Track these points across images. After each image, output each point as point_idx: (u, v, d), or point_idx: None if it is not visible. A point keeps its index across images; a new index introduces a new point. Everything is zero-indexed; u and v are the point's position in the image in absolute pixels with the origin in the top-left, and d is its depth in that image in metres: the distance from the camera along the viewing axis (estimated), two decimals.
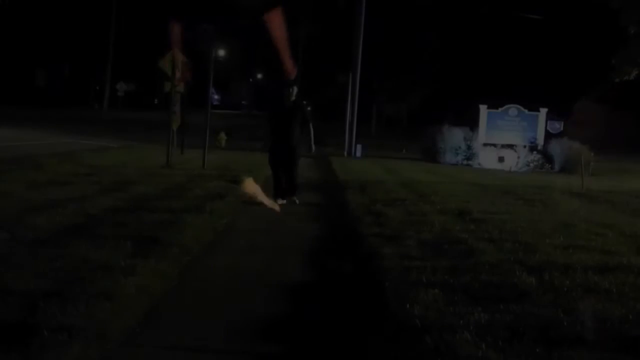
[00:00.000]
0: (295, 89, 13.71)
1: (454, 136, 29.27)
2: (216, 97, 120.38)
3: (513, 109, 29.24)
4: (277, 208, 12.64)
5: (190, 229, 9.08)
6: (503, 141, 28.84)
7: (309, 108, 13.41)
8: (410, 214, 11.74)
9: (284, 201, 13.50)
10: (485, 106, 29.20)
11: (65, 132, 33.50)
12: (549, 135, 29.54)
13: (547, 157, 28.63)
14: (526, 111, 29.34)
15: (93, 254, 7.27)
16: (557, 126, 30.29)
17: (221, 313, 6.27)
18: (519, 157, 28.33)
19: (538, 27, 56.79)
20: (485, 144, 28.95)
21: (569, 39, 61.41)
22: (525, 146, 28.73)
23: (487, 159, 28.57)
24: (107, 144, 26.12)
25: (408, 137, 43.72)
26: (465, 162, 28.87)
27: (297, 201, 13.69)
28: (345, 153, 29.95)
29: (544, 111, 29.40)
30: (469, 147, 29.12)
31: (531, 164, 28.29)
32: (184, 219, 9.67)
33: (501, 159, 28.09)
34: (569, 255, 8.48)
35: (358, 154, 30.34)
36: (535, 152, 28.66)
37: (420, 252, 8.49)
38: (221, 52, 73.01)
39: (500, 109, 29.31)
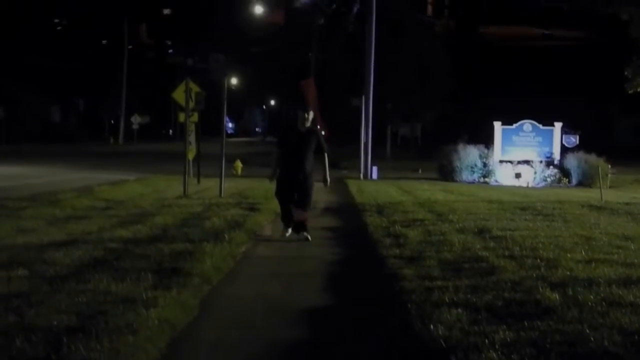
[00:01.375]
0: (312, 114, 12.37)
1: (470, 154, 29.18)
2: (230, 125, 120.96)
3: (527, 125, 29.15)
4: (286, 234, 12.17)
5: (210, 258, 9.08)
6: (519, 157, 28.72)
7: (323, 132, 12.50)
8: (429, 234, 11.72)
9: (290, 232, 12.28)
10: (500, 123, 29.13)
11: (82, 166, 33.65)
12: (564, 149, 29.42)
13: (564, 172, 28.49)
14: (540, 126, 29.24)
15: (114, 287, 7.28)
16: (573, 140, 30.15)
17: (243, 342, 6.24)
18: (535, 173, 28.19)
19: (551, 40, 56.79)
20: (501, 161, 28.83)
21: (581, 52, 61.39)
22: (541, 161, 28.59)
23: (503, 176, 28.45)
24: (124, 177, 26.19)
25: (423, 156, 43.65)
26: (482, 179, 28.77)
27: (310, 238, 12.06)
28: (361, 175, 29.90)
29: (558, 125, 29.30)
30: (485, 165, 29.03)
31: (548, 179, 28.15)
32: (203, 248, 9.67)
33: (518, 175, 27.96)
34: (591, 269, 8.43)
35: (374, 175, 30.29)
36: (551, 167, 28.52)
37: (441, 272, 8.47)
38: (234, 81, 73.40)
39: (514, 125, 29.22)
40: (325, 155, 12.40)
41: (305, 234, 12.15)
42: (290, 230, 12.28)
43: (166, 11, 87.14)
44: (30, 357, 5.19)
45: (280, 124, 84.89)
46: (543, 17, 51.87)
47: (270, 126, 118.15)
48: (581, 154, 28.51)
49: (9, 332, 5.67)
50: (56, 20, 70.57)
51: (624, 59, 23.61)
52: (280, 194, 12.35)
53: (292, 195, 12.14)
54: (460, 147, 29.56)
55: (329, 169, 12.53)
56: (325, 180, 12.46)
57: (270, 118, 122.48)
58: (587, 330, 5.86)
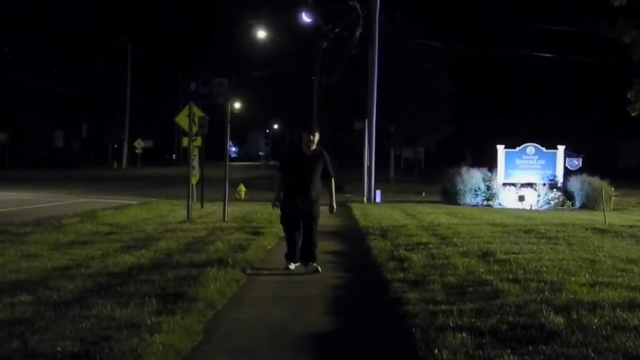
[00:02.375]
0: (318, 136, 11.36)
1: (473, 177, 29.20)
2: (233, 149, 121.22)
3: (530, 148, 29.19)
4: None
5: (214, 282, 9.08)
6: (522, 180, 28.73)
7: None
8: (433, 257, 11.71)
9: (297, 264, 11.50)
10: (503, 146, 29.18)
11: (85, 191, 33.69)
12: (568, 172, 29.44)
13: (567, 194, 28.49)
14: (544, 149, 29.28)
15: (118, 312, 7.29)
16: (576, 163, 30.15)
17: None
18: (539, 196, 28.19)
19: (554, 64, 56.89)
20: (504, 184, 28.85)
21: (584, 75, 61.47)
22: (544, 184, 28.59)
23: (507, 199, 28.45)
24: (127, 202, 26.22)
25: (426, 179, 43.69)
26: (485, 202, 28.76)
27: (320, 269, 11.27)
28: (365, 199, 29.89)
29: (561, 148, 29.33)
30: (488, 188, 29.03)
31: (552, 202, 28.13)
32: (207, 273, 9.67)
33: (521, 198, 27.95)
34: (595, 292, 8.42)
35: (378, 199, 30.30)
36: (555, 190, 28.52)
37: (445, 295, 8.47)
38: (237, 105, 73.59)
39: (517, 148, 29.27)
40: (332, 180, 11.59)
41: (314, 264, 11.34)
42: (292, 266, 11.46)
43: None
44: None
45: (285, 146, 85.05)
46: (547, 40, 51.99)
47: (273, 150, 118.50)
48: (584, 177, 28.51)
49: (13, 358, 5.67)
50: (59, 46, 70.73)
51: (627, 81, 23.65)
52: (286, 220, 11.52)
53: (298, 223, 11.36)
54: (464, 170, 29.60)
55: (335, 195, 11.78)
56: (331, 207, 11.64)
57: (274, 142, 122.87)
58: (592, 354, 5.86)
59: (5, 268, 10.13)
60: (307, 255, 11.42)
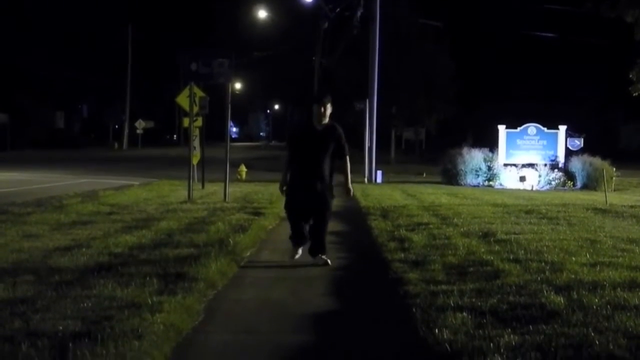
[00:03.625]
0: (330, 108, 9.97)
1: (474, 158, 29.22)
2: (234, 130, 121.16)
3: (532, 128, 29.18)
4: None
5: (215, 262, 9.08)
6: (523, 161, 28.75)
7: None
8: (434, 237, 11.72)
9: (300, 254, 10.41)
10: (504, 126, 29.15)
11: (86, 171, 33.71)
12: (569, 153, 29.44)
13: (568, 175, 28.50)
14: (545, 129, 29.26)
15: (119, 292, 7.30)
16: (577, 143, 30.15)
17: (248, 347, 6.24)
18: (540, 176, 28.20)
19: (555, 44, 56.73)
20: (505, 164, 28.86)
21: (586, 56, 61.30)
22: (546, 164, 28.60)
23: (508, 179, 28.47)
24: (128, 182, 26.23)
25: (427, 160, 43.73)
26: (486, 183, 28.78)
27: (330, 262, 10.12)
28: (366, 179, 29.89)
29: (563, 128, 29.31)
30: (489, 168, 29.05)
31: (553, 182, 28.14)
32: (208, 253, 9.68)
33: (522, 179, 27.96)
34: (596, 272, 8.43)
35: (378, 179, 30.32)
36: (556, 170, 28.54)
37: (446, 275, 8.48)
38: (238, 85, 73.48)
39: (519, 129, 29.26)
40: (347, 159, 10.14)
41: (323, 257, 10.17)
42: (300, 251, 10.38)
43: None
44: None
45: (286, 126, 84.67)
46: (549, 20, 51.80)
47: (274, 131, 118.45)
48: (586, 157, 28.54)
49: (15, 337, 5.68)
50: (59, 26, 70.56)
51: (629, 62, 23.58)
52: (290, 207, 10.23)
53: (306, 211, 10.11)
54: (465, 150, 29.61)
55: (351, 176, 10.41)
56: (347, 189, 10.33)
57: (274, 122, 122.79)
58: (592, 334, 5.86)
59: (6, 248, 10.14)
60: (317, 247, 10.21)
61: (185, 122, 21.08)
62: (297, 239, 10.36)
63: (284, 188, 10.16)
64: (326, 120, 9.98)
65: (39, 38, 69.14)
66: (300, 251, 10.39)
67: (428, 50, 50.59)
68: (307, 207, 10.06)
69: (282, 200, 10.56)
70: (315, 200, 9.93)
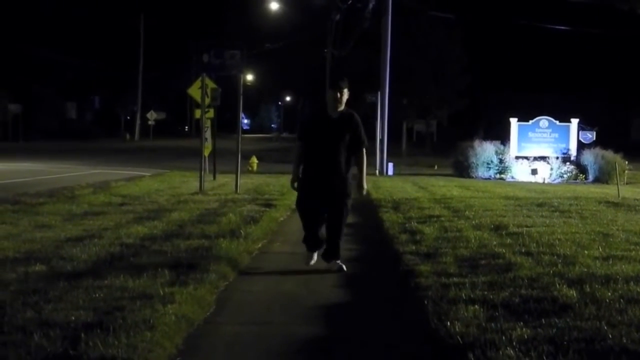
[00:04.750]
0: (347, 93, 8.99)
1: (486, 150, 29.17)
2: (246, 121, 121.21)
3: (544, 121, 29.09)
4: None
5: (226, 254, 9.09)
6: (535, 153, 28.67)
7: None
8: (445, 230, 11.68)
9: (315, 259, 9.31)
10: (516, 119, 29.08)
11: (98, 162, 33.81)
12: (581, 146, 29.35)
13: (580, 168, 28.41)
14: (557, 122, 29.18)
15: (131, 283, 7.31)
16: (589, 136, 30.06)
17: (260, 337, 6.24)
18: (552, 169, 28.13)
19: (568, 36, 56.51)
20: (517, 157, 28.80)
21: (598, 48, 61.05)
22: (557, 157, 28.52)
23: (519, 172, 28.41)
24: (140, 173, 26.28)
25: (439, 152, 43.67)
26: (497, 176, 28.73)
27: (345, 268, 9.07)
28: (377, 172, 29.87)
29: (575, 121, 29.22)
30: (501, 161, 29.00)
31: (565, 175, 28.07)
32: (220, 245, 9.68)
33: (534, 172, 27.89)
34: (608, 266, 8.40)
35: (390, 172, 30.30)
36: (568, 163, 28.46)
37: (457, 268, 8.46)
38: (249, 77, 73.50)
39: (531, 122, 29.18)
40: (364, 152, 9.13)
41: (338, 262, 9.12)
42: (315, 257, 9.31)
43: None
44: (48, 353, 5.21)
45: (297, 116, 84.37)
46: (562, 13, 51.56)
47: (285, 122, 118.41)
48: (598, 150, 28.46)
49: (27, 327, 5.70)
50: (71, 16, 70.74)
51: None
52: (303, 207, 9.18)
53: (319, 211, 9.07)
54: (476, 143, 29.57)
55: (366, 172, 9.30)
56: (360, 186, 9.11)
57: (286, 114, 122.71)
58: (605, 327, 5.84)
59: (19, 238, 10.17)
60: (331, 251, 9.16)
61: (197, 113, 21.11)
62: (311, 243, 9.29)
63: (295, 184, 9.20)
64: (342, 107, 8.96)
65: (52, 29, 69.29)
66: (315, 256, 9.31)
67: (440, 42, 50.49)
68: (321, 206, 9.00)
69: (293, 193, 9.67)
70: (330, 198, 8.90)
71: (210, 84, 19.84)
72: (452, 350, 5.55)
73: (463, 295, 6.99)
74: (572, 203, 16.33)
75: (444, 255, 9.28)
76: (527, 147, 28.87)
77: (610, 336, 5.61)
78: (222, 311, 7.02)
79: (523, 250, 9.50)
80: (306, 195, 9.02)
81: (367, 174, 8.89)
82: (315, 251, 9.29)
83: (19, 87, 64.18)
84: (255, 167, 29.70)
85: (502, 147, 29.30)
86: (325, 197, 8.89)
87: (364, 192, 9.27)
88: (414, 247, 10.06)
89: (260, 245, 10.86)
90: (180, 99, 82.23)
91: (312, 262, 9.26)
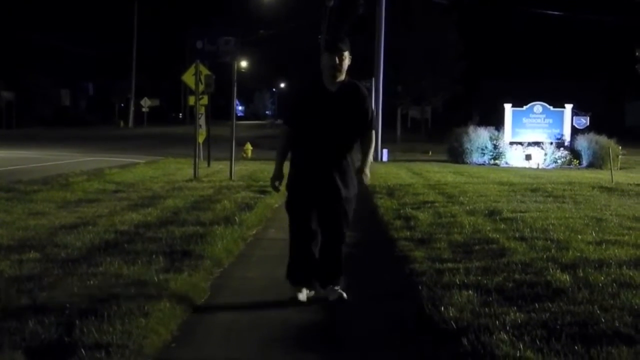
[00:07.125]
0: (349, 59, 6.70)
1: (480, 136, 29.19)
2: (240, 108, 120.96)
3: (538, 106, 29.11)
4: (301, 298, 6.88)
5: (221, 240, 9.10)
6: (529, 139, 28.70)
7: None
8: (439, 216, 11.70)
9: (312, 293, 6.96)
10: (510, 105, 29.09)
11: (92, 149, 33.74)
12: (575, 131, 29.38)
13: (574, 153, 28.45)
14: (551, 108, 29.20)
15: (126, 270, 7.32)
16: (583, 121, 30.09)
17: (255, 324, 6.26)
18: (546, 154, 28.16)
19: (562, 22, 56.48)
20: (511, 143, 28.83)
21: (593, 34, 61.02)
22: (552, 143, 28.56)
23: (514, 158, 28.43)
24: (134, 160, 26.25)
25: (433, 138, 43.66)
26: (492, 161, 28.75)
27: (345, 295, 6.88)
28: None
29: (569, 107, 29.25)
30: (495, 147, 29.03)
31: (559, 161, 28.11)
32: (214, 231, 9.69)
33: (528, 157, 27.92)
34: (602, 250, 8.43)
35: (384, 158, 30.32)
36: (562, 149, 28.49)
37: (451, 254, 8.48)
38: (243, 63, 73.30)
39: (525, 107, 29.19)
40: (372, 133, 7.04)
41: (337, 289, 6.93)
42: (305, 292, 6.91)
43: None
44: (43, 340, 5.22)
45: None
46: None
47: (279, 109, 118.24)
48: (592, 136, 28.48)
49: (22, 314, 5.70)
50: (65, 2, 70.53)
51: (636, 40, 23.51)
52: (295, 207, 6.91)
53: (316, 209, 6.82)
54: (471, 129, 29.59)
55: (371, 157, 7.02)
56: (361, 171, 6.76)
57: (280, 101, 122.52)
58: (598, 312, 5.86)
59: (13, 226, 10.16)
60: (328, 273, 6.96)
61: (191, 100, 21.06)
62: (299, 271, 6.97)
63: (277, 183, 6.92)
64: (343, 76, 6.75)
65: (45, 16, 69.03)
66: (302, 295, 6.88)
67: (434, 28, 50.39)
68: (316, 204, 6.80)
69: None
70: (329, 198, 6.77)
71: (204, 71, 19.78)
72: (446, 335, 5.57)
73: (457, 280, 7.01)
74: (565, 188, 16.36)
75: (438, 240, 9.30)
76: (521, 132, 28.88)
77: (603, 320, 5.64)
78: (217, 297, 7.04)
79: (517, 236, 9.52)
80: (298, 198, 6.85)
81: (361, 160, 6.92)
82: (304, 285, 6.95)
83: (12, 74, 63.88)
84: (249, 154, 29.69)
85: (496, 132, 29.32)
86: (323, 198, 6.77)
87: (366, 180, 6.80)
88: (408, 233, 10.08)
89: (254, 231, 10.88)
90: (175, 86, 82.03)
91: (301, 296, 6.86)
